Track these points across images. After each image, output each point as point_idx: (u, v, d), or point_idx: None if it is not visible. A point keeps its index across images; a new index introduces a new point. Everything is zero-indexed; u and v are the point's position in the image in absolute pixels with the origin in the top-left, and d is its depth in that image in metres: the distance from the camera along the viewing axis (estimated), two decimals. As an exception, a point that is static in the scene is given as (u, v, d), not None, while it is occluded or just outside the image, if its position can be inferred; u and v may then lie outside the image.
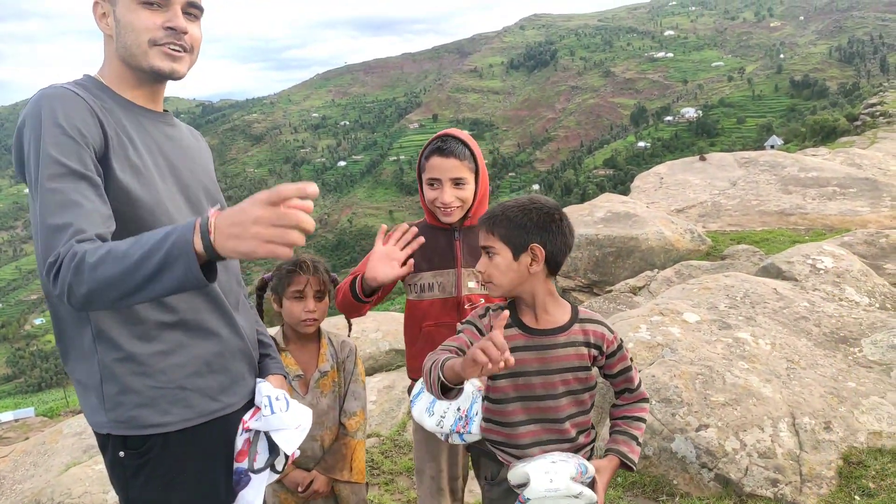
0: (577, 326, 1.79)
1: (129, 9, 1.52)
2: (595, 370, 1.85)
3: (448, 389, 1.65)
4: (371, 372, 5.99)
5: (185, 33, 1.55)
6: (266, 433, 1.64)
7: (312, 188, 1.20)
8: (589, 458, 1.83)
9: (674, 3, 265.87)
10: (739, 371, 3.53)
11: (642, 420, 1.88)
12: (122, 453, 1.51)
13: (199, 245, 1.22)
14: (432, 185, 2.18)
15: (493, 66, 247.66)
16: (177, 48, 1.55)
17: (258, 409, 1.66)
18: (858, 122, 29.32)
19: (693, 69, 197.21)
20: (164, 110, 1.68)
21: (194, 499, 1.57)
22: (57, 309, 1.53)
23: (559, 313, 1.81)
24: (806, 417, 3.26)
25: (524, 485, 1.68)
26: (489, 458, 1.93)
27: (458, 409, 1.97)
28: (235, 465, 1.62)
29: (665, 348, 3.75)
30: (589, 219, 8.25)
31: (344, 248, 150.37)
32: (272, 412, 1.64)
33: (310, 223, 1.20)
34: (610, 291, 6.91)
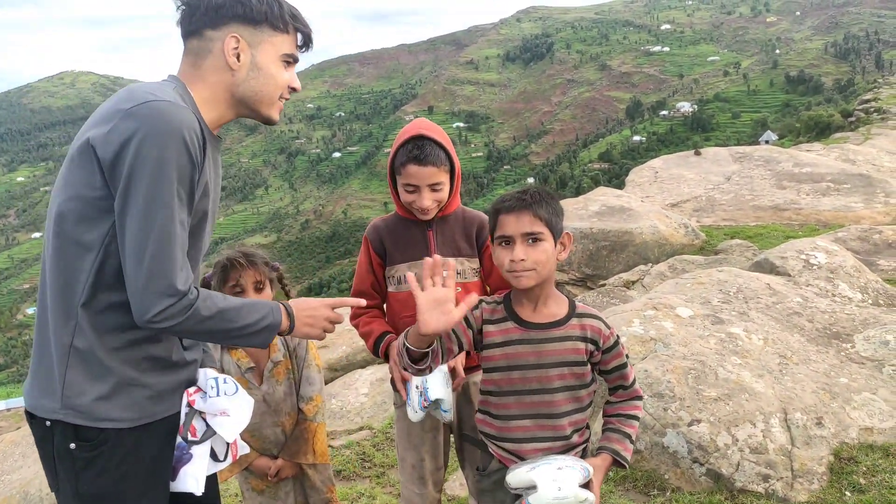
0: (574, 321, 1.77)
1: (273, 60, 1.65)
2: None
3: (417, 359, 1.67)
4: (364, 364, 5.98)
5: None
6: (203, 416, 1.66)
7: (363, 302, 1.81)
8: (582, 458, 1.81)
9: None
10: (732, 366, 3.52)
11: (636, 418, 1.86)
12: (72, 445, 1.50)
13: (285, 326, 1.64)
14: (409, 190, 2.17)
15: (490, 58, 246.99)
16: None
17: (200, 389, 1.68)
18: (853, 119, 29.34)
19: (689, 63, 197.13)
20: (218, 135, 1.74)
21: (148, 490, 1.59)
22: (61, 291, 1.50)
23: (557, 307, 1.79)
24: (798, 413, 3.26)
25: (528, 488, 1.66)
26: (480, 448, 1.92)
27: (417, 387, 2.06)
28: (178, 439, 1.63)
29: (658, 343, 3.74)
30: (583, 212, 8.24)
31: (338, 240, 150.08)
32: (217, 394, 1.66)
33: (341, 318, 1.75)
34: (603, 285, 6.91)
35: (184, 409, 1.64)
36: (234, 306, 1.56)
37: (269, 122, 1.74)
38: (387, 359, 2.23)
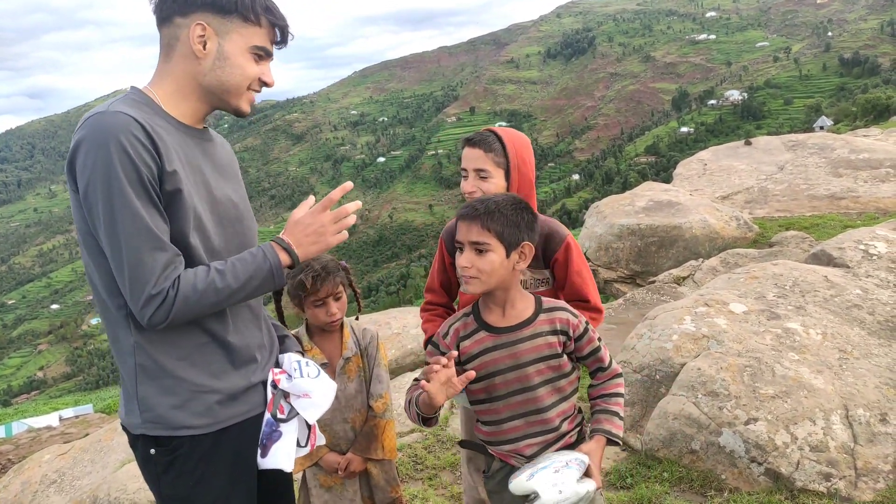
0: (542, 316, 1.83)
1: (241, 51, 1.61)
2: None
3: (427, 420, 1.79)
4: (413, 367, 6.03)
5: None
6: (287, 397, 1.70)
7: (349, 185, 1.65)
8: (577, 441, 1.87)
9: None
10: (789, 362, 3.43)
11: (620, 395, 1.91)
12: (152, 450, 1.58)
13: (286, 261, 1.59)
14: (463, 175, 2.24)
15: (530, 55, 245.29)
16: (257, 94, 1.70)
17: (285, 371, 1.73)
18: (914, 100, 28.05)
19: (737, 51, 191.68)
20: (204, 127, 1.74)
21: (225, 496, 1.64)
22: (107, 315, 1.59)
23: (524, 306, 1.84)
24: (860, 409, 3.16)
25: (531, 496, 1.70)
26: (481, 451, 1.97)
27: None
28: (266, 415, 1.67)
29: (711, 340, 3.67)
30: (630, 208, 8.13)
31: (385, 243, 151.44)
32: (301, 375, 1.71)
33: (353, 206, 1.63)
34: (653, 282, 6.81)
35: (270, 389, 1.69)
36: (221, 271, 1.51)
37: (238, 113, 1.69)
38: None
